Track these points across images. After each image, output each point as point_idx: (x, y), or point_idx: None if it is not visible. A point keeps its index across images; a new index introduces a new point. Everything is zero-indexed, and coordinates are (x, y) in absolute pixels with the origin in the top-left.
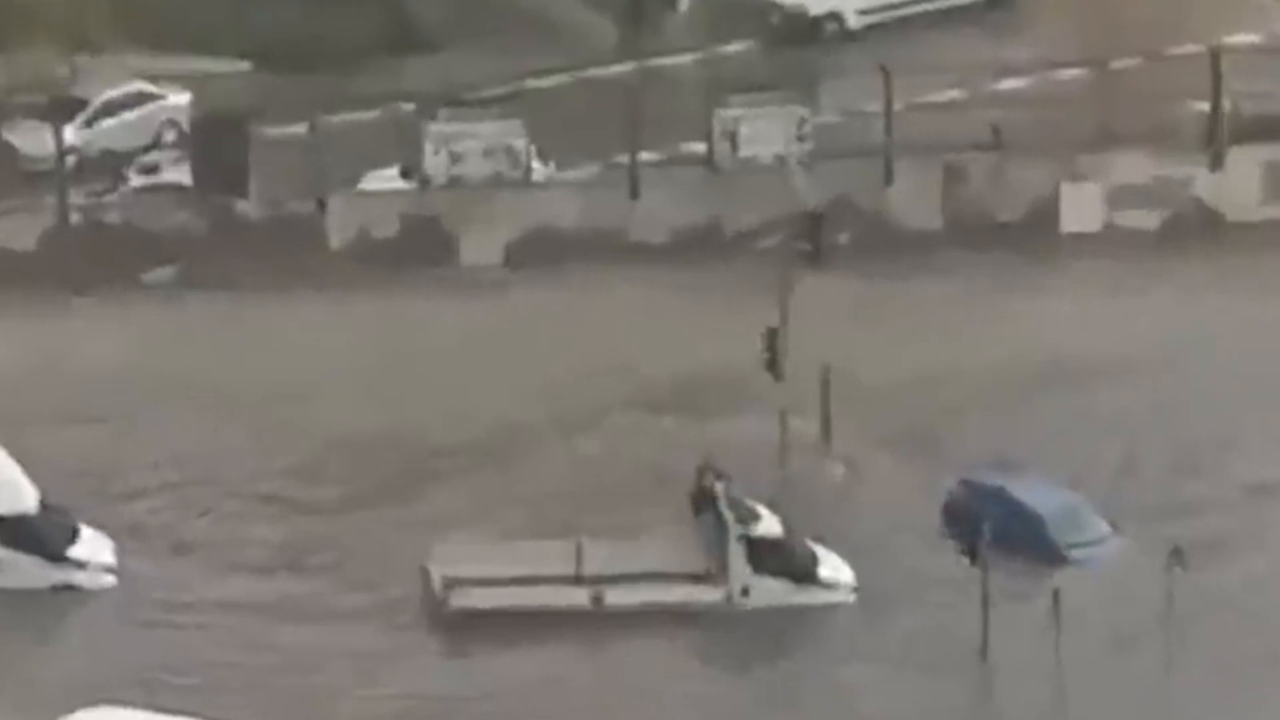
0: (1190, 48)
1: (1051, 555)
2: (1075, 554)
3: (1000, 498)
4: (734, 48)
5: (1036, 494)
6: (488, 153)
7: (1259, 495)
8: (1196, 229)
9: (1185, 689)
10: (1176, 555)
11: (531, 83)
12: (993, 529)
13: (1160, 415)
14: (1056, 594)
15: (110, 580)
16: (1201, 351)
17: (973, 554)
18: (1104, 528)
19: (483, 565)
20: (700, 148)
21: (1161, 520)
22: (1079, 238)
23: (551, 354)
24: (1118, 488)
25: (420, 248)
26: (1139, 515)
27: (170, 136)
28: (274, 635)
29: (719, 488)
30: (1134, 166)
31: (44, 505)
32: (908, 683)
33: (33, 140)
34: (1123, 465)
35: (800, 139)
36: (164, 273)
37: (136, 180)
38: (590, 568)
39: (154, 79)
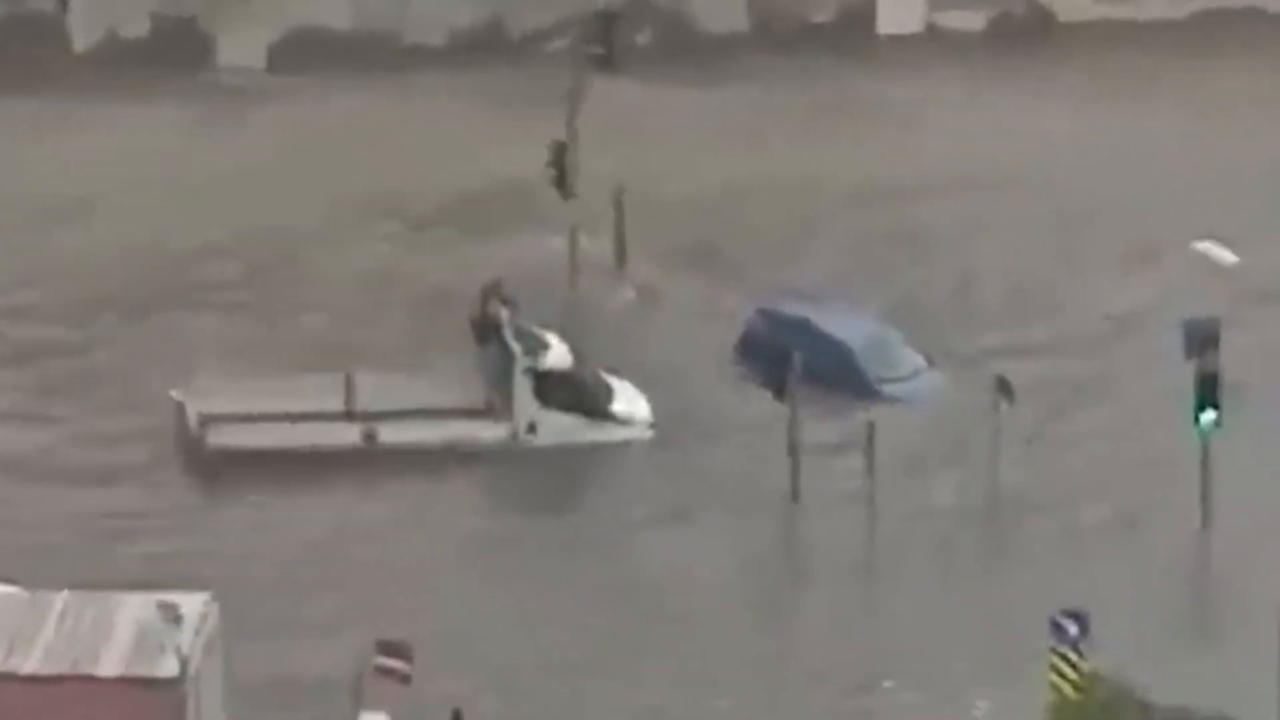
0: None
1: (862, 389)
2: (888, 389)
3: (804, 329)
4: None
5: (843, 325)
6: None
7: (1104, 332)
8: (1026, 30)
9: (1001, 535)
10: (1003, 389)
11: None
12: (801, 362)
13: (992, 240)
14: (870, 429)
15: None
16: (1036, 168)
17: (779, 389)
18: (919, 361)
19: (243, 400)
20: None
21: (991, 357)
22: (898, 40)
23: (318, 168)
24: (939, 320)
25: (174, 50)
26: (964, 350)
27: None
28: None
29: (503, 314)
30: None
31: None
32: (709, 526)
33: None
34: (949, 296)
35: None
36: None
37: None
38: (362, 402)
39: None
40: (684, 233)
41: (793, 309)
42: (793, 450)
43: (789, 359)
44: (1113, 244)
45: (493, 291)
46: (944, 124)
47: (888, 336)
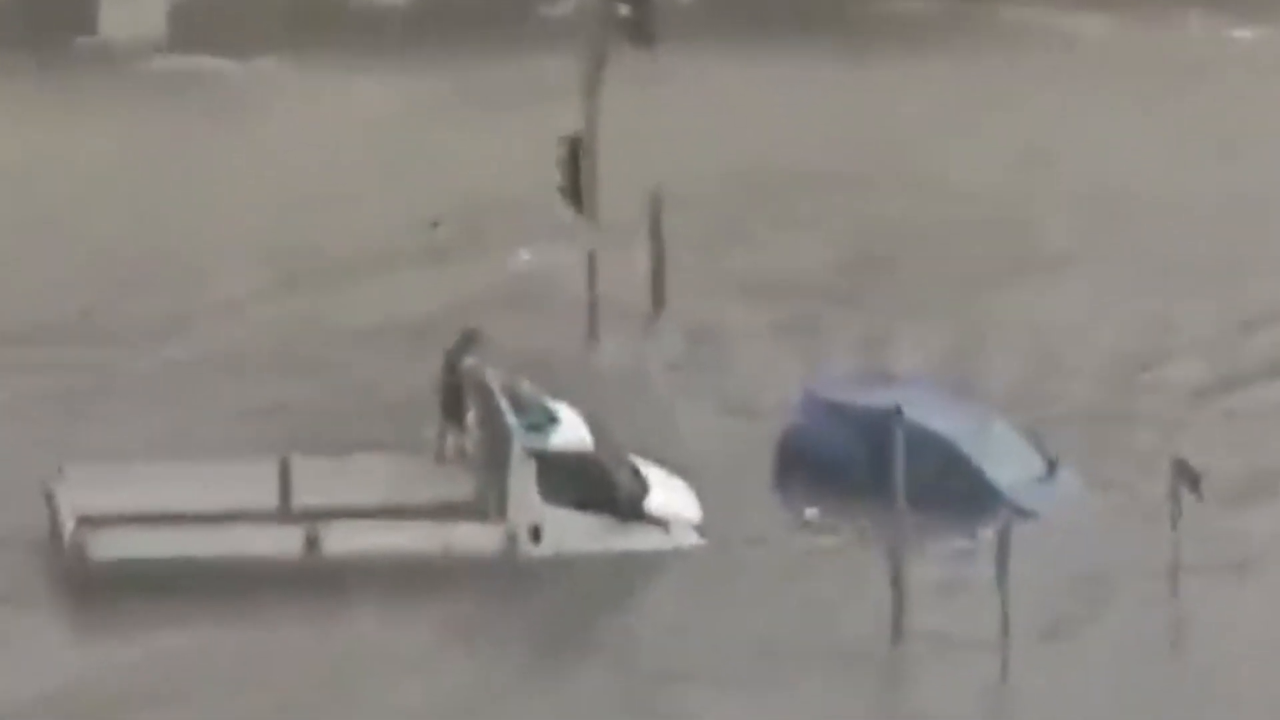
0: None
1: (981, 499)
2: (1016, 497)
3: (886, 424)
4: None
5: (940, 414)
6: None
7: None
8: None
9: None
10: (1185, 475)
11: None
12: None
13: None
14: (1003, 541)
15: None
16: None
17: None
18: (1041, 458)
19: (138, 494)
20: None
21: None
22: None
23: (238, 179)
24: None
25: (48, 16)
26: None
27: None
28: None
29: (492, 376)
30: None
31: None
32: (781, 682)
33: None
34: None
35: None
36: None
37: None
38: (302, 497)
39: None
40: (747, 260)
41: (866, 395)
42: (896, 581)
43: (881, 464)
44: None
45: (468, 346)
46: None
47: (998, 428)
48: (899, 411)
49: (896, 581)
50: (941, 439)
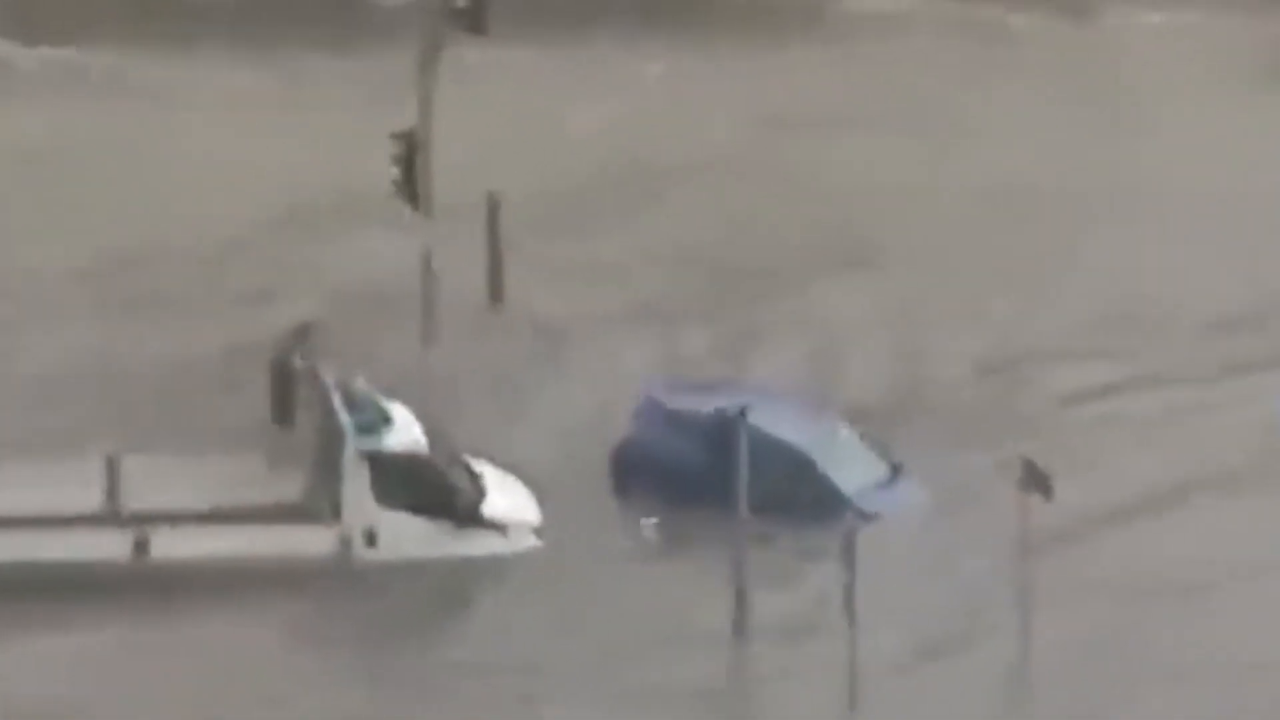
0: None
1: (829, 506)
2: (863, 503)
3: (727, 430)
4: None
5: (785, 422)
6: None
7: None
8: None
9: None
10: (1033, 477)
11: None
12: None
13: None
14: (849, 540)
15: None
16: None
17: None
18: (883, 465)
19: None
20: None
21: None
22: None
23: (33, 193)
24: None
25: None
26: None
27: None
28: None
29: (326, 375)
30: None
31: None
32: (622, 679)
33: None
34: None
35: None
36: None
37: None
38: (130, 499)
39: None
40: (586, 249)
41: (708, 401)
42: (738, 575)
43: (723, 471)
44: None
45: (300, 341)
46: None
47: (843, 434)
48: (743, 416)
49: (740, 589)
50: (788, 446)
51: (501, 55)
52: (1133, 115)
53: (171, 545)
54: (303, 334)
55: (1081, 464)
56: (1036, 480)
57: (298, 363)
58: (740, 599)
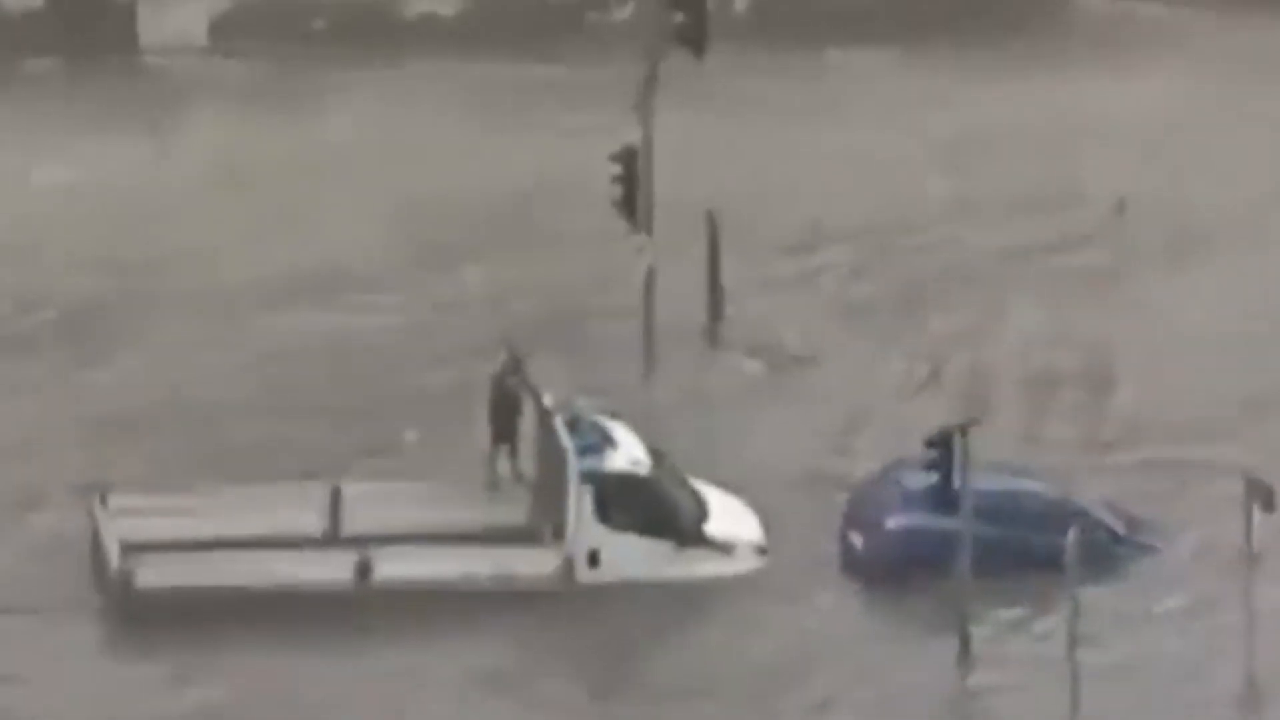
0: None
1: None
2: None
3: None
4: None
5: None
6: None
7: None
8: None
9: None
10: (1258, 493)
11: None
12: None
13: None
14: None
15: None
16: None
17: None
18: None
19: (182, 521)
20: None
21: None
22: None
23: (288, 188)
24: None
25: (81, 24)
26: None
27: None
28: None
29: (547, 397)
30: None
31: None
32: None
33: None
34: None
35: None
36: None
37: None
38: (352, 523)
39: None
40: (815, 278)
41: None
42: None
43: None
44: None
45: (516, 366)
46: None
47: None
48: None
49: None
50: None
51: (723, 73)
52: None
53: (394, 567)
54: (518, 357)
55: None
56: (1259, 494)
57: (517, 385)
58: (964, 640)
